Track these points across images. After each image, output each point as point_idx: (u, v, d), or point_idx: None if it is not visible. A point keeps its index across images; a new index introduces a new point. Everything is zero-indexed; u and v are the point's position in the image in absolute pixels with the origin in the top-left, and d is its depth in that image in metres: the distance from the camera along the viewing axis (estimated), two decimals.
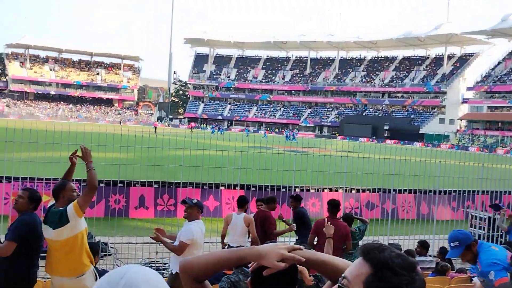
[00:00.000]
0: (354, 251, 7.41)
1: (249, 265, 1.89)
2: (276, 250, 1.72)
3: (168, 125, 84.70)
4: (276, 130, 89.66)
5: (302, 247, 1.84)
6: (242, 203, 7.82)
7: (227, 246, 7.66)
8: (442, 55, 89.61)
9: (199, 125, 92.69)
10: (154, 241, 8.23)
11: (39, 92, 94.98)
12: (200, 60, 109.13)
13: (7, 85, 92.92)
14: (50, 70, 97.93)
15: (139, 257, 8.77)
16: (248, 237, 7.79)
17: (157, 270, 6.15)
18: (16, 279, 4.75)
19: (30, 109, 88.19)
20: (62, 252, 4.78)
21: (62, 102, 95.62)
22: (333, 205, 7.08)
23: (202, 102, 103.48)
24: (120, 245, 9.45)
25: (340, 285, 1.41)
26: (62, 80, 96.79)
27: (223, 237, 7.80)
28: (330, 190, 12.63)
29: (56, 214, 4.70)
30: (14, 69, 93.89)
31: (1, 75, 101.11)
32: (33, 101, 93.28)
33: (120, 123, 73.24)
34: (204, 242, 9.41)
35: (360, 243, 7.94)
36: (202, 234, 5.90)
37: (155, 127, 57.80)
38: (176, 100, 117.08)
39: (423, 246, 8.11)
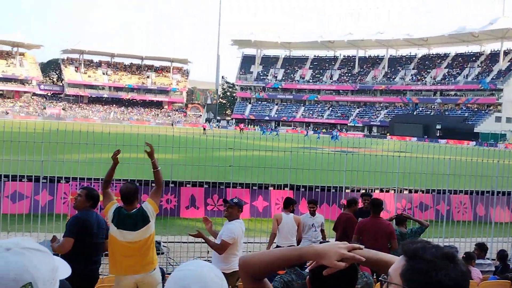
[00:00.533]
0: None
1: (307, 264, 1.87)
2: (336, 249, 1.70)
3: (218, 127, 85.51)
4: (324, 130, 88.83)
5: (362, 246, 1.81)
6: (288, 204, 7.94)
7: (275, 246, 7.68)
8: (497, 51, 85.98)
9: (246, 125, 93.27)
10: (204, 241, 8.37)
11: (93, 96, 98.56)
12: (247, 61, 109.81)
13: (63, 89, 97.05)
14: (103, 74, 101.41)
15: (190, 255, 8.91)
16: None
17: None
18: (74, 276, 4.94)
19: (85, 112, 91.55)
20: (142, 250, 4.99)
21: (114, 105, 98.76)
22: (375, 204, 7.00)
23: (250, 103, 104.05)
24: (172, 244, 9.63)
25: (381, 279, 1.46)
26: (115, 84, 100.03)
27: (273, 236, 7.83)
28: (381, 190, 12.35)
29: (134, 216, 4.91)
30: (69, 73, 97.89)
31: (57, 80, 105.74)
32: (87, 104, 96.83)
33: (172, 124, 74.82)
34: (254, 242, 9.48)
35: None
36: (242, 233, 5.97)
37: (204, 128, 58.78)
38: (224, 101, 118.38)
39: (481, 249, 7.81)
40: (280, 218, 7.76)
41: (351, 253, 1.73)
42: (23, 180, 10.73)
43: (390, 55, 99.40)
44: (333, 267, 1.70)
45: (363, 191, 10.73)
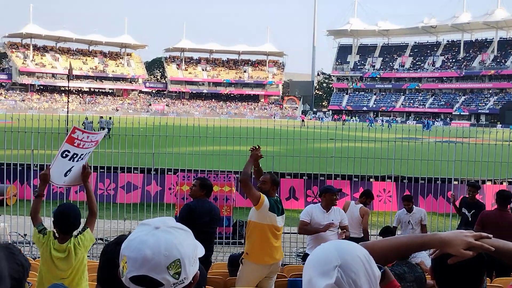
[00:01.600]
0: None
1: (430, 252, 1.82)
2: (462, 237, 1.63)
3: (319, 118, 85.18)
4: (427, 119, 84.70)
5: (490, 235, 1.72)
6: (361, 195, 8.05)
7: None
8: None
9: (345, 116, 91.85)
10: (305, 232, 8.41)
11: (193, 91, 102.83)
12: (343, 51, 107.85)
13: (166, 86, 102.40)
14: (203, 70, 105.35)
15: (293, 246, 8.99)
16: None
17: None
18: None
19: (186, 108, 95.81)
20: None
21: (213, 100, 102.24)
22: (503, 197, 6.56)
23: (346, 94, 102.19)
24: None
25: None
26: (213, 79, 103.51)
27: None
28: (494, 182, 11.54)
29: (279, 202, 5.40)
30: (172, 71, 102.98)
31: (161, 77, 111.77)
32: (189, 100, 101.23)
33: (273, 117, 76.39)
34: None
35: None
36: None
37: (303, 120, 58.93)
38: (320, 92, 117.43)
39: None
40: (347, 206, 7.78)
41: (478, 242, 1.64)
42: (135, 172, 11.52)
43: (500, 38, 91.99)
44: (459, 255, 1.63)
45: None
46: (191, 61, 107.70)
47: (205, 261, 5.33)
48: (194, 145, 9.11)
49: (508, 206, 6.87)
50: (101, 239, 8.23)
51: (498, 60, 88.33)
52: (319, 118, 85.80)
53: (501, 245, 1.71)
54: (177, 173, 10.94)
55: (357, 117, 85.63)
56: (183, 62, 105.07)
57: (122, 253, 1.39)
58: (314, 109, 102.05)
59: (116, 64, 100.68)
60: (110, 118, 34.55)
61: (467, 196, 7.92)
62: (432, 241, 1.70)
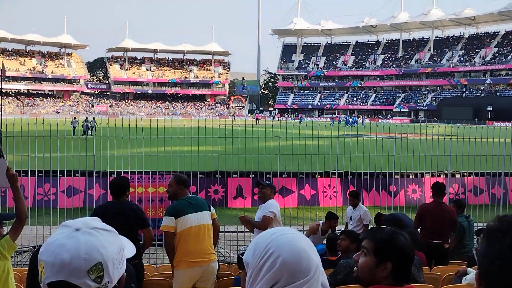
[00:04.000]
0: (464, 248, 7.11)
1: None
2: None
3: (270, 116, 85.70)
4: (369, 116, 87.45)
5: None
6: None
7: None
8: None
9: (289, 114, 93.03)
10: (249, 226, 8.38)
11: (138, 92, 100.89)
12: (288, 51, 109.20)
13: (109, 87, 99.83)
14: (147, 70, 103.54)
15: (241, 244, 8.98)
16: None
17: None
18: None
19: (130, 109, 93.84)
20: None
21: (159, 100, 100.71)
22: (438, 188, 6.86)
23: (292, 92, 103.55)
24: (222, 233, 9.74)
25: None
26: (158, 79, 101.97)
27: None
28: (433, 175, 12.02)
29: (192, 199, 5.13)
30: (115, 71, 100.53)
31: (104, 78, 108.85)
32: (133, 101, 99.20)
33: (234, 117, 76.50)
34: (303, 231, 9.43)
35: None
36: (279, 212, 6.11)
37: (257, 119, 59.05)
38: (266, 91, 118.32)
39: None
40: (317, 231, 7.72)
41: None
42: (76, 175, 11.12)
43: (436, 37, 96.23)
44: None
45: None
46: (135, 61, 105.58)
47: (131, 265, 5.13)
48: (137, 146, 8.92)
49: (444, 197, 7.16)
50: (40, 245, 7.87)
51: (434, 59, 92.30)
52: (273, 117, 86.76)
53: None
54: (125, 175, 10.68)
55: (305, 115, 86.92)
56: (127, 62, 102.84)
57: (39, 257, 1.31)
58: (261, 108, 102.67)
59: (56, 64, 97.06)
60: (93, 118, 37.86)
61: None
62: None
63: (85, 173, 11.12)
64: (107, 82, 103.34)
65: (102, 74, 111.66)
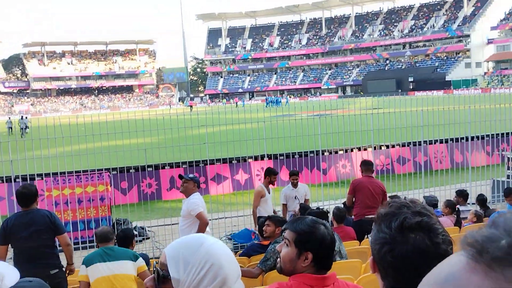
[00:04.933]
0: None
1: None
2: None
3: (201, 102, 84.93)
4: (299, 95, 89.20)
5: None
6: (268, 173, 7.67)
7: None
8: None
9: (220, 99, 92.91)
10: None
11: (61, 88, 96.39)
12: (214, 35, 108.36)
13: (29, 84, 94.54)
14: (68, 64, 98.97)
15: (176, 237, 8.85)
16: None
17: None
18: None
19: (54, 105, 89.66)
20: None
21: (84, 95, 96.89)
22: (367, 164, 7.17)
23: (221, 77, 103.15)
24: (157, 227, 9.58)
25: None
26: (81, 73, 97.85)
27: (255, 213, 7.58)
28: (359, 149, 12.43)
29: None
30: (33, 67, 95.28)
31: (22, 75, 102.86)
32: (56, 97, 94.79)
33: (169, 106, 75.37)
34: (238, 216, 9.47)
35: None
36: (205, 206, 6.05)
37: (191, 106, 58.36)
38: (195, 78, 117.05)
39: (461, 196, 7.91)
40: (264, 191, 7.53)
41: None
42: None
43: (356, 13, 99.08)
44: None
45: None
46: (54, 55, 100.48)
47: (50, 276, 4.88)
48: (65, 145, 8.49)
49: (372, 171, 7.37)
50: None
51: (356, 35, 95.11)
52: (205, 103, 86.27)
53: None
54: (45, 178, 10.17)
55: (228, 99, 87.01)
56: (45, 57, 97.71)
57: None
58: (191, 95, 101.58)
59: None
60: (26, 117, 38.01)
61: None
62: None
63: (4, 178, 10.51)
64: (26, 79, 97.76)
65: (20, 71, 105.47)
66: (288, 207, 7.94)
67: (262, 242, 5.54)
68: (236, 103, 67.45)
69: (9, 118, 39.56)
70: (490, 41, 79.31)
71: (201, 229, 5.79)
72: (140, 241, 8.89)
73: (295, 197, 7.87)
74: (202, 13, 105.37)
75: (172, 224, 8.81)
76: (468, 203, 8.54)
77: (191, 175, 6.05)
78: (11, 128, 34.21)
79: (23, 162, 8.56)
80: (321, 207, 6.57)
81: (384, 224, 1.20)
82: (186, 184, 5.88)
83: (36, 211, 5.02)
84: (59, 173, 8.63)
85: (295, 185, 7.93)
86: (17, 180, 10.15)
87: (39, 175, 8.76)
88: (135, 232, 7.44)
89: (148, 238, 9.36)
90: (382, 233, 1.19)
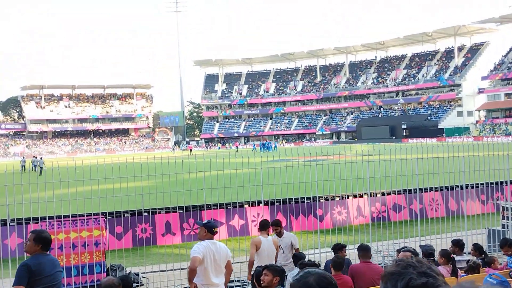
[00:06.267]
0: None
1: None
2: None
3: (197, 146, 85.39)
4: (294, 140, 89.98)
5: None
6: (264, 226, 7.42)
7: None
8: (452, 47, 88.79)
9: (216, 144, 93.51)
10: (184, 267, 8.21)
11: (57, 130, 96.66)
12: (210, 81, 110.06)
13: (25, 126, 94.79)
14: (66, 107, 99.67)
15: (171, 284, 8.74)
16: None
17: None
18: None
19: (49, 148, 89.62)
20: None
21: (80, 137, 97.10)
22: (364, 249, 6.72)
23: (217, 122, 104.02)
24: (151, 273, 9.45)
25: None
26: (78, 116, 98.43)
27: (252, 263, 7.22)
28: (355, 196, 12.49)
29: None
30: (30, 110, 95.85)
31: (19, 117, 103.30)
32: (52, 139, 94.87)
33: (173, 150, 76.59)
34: (234, 262, 9.36)
35: None
36: (212, 253, 5.91)
37: (190, 150, 58.83)
38: (191, 122, 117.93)
39: (457, 245, 7.90)
40: (259, 242, 7.23)
41: None
42: None
43: (350, 61, 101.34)
44: None
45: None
46: (52, 98, 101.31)
47: None
48: (55, 188, 8.49)
49: (370, 257, 7.04)
50: None
51: (350, 82, 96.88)
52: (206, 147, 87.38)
53: None
54: (40, 223, 10.10)
55: (229, 144, 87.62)
56: (43, 99, 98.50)
57: None
58: (187, 139, 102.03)
59: None
60: (41, 158, 39.81)
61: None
62: None
63: None
64: (22, 121, 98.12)
65: (17, 113, 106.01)
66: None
67: None
68: (237, 147, 67.83)
69: (23, 157, 43.96)
70: (481, 91, 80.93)
71: (189, 274, 5.80)
72: None
73: (280, 247, 7.48)
74: (199, 59, 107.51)
75: (168, 270, 8.72)
76: (464, 253, 8.52)
77: (203, 221, 6.06)
78: (24, 166, 36.58)
79: (19, 206, 8.53)
80: (315, 257, 6.53)
81: (390, 283, 1.23)
82: (199, 230, 6.02)
83: (50, 255, 5.12)
84: (55, 217, 8.58)
85: (278, 234, 7.59)
86: (11, 224, 10.08)
87: (35, 219, 8.73)
88: None
89: (142, 285, 9.22)
90: None
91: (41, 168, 34.52)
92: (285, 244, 7.56)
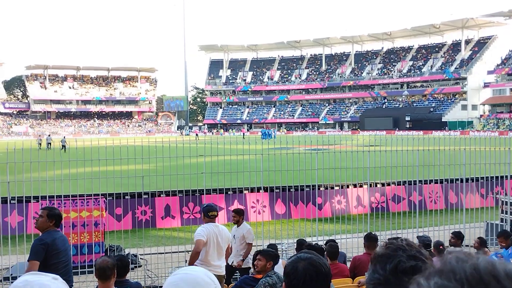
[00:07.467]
0: None
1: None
2: None
3: (200, 132, 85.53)
4: (296, 129, 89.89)
5: None
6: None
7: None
8: (459, 40, 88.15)
9: (218, 130, 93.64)
10: (182, 250, 8.27)
11: (61, 111, 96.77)
12: (215, 66, 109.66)
13: (29, 106, 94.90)
14: (70, 88, 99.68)
15: (168, 266, 8.81)
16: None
17: None
18: None
19: (53, 128, 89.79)
20: None
21: (83, 119, 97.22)
22: (370, 239, 6.64)
23: (220, 108, 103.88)
24: (150, 255, 9.52)
25: None
26: (82, 97, 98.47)
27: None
28: (355, 186, 12.50)
29: None
30: (34, 90, 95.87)
31: (22, 97, 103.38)
32: (56, 120, 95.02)
33: (181, 133, 77.91)
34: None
35: None
36: (216, 235, 6.06)
37: (197, 134, 59.48)
38: (194, 107, 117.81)
39: (458, 237, 7.92)
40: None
41: None
42: None
43: (356, 51, 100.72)
44: None
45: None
46: (56, 79, 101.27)
47: None
48: (56, 168, 8.52)
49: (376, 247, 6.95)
50: None
51: (355, 72, 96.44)
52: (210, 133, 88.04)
53: None
54: (41, 201, 10.16)
55: (232, 130, 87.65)
56: (47, 80, 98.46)
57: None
58: (190, 124, 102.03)
59: None
60: (49, 135, 44.04)
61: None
62: None
63: (0, 199, 10.50)
64: (26, 101, 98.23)
65: (21, 93, 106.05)
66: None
67: (255, 276, 5.54)
68: (243, 133, 67.91)
69: (49, 135, 47.31)
70: (486, 85, 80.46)
71: (192, 256, 5.86)
72: (132, 269, 8.83)
73: (234, 237, 7.25)
74: (204, 44, 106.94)
75: (166, 253, 8.78)
76: (463, 245, 8.55)
77: (203, 204, 6.36)
78: (50, 144, 39.16)
79: (20, 184, 8.58)
80: (314, 243, 6.57)
81: (379, 265, 1.24)
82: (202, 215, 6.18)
83: (59, 231, 5.22)
84: (55, 196, 8.63)
85: (236, 223, 7.42)
86: (12, 201, 10.15)
87: (35, 197, 8.77)
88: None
89: (140, 266, 9.30)
90: (377, 274, 1.23)
91: (49, 143, 37.99)
92: (238, 236, 7.36)
